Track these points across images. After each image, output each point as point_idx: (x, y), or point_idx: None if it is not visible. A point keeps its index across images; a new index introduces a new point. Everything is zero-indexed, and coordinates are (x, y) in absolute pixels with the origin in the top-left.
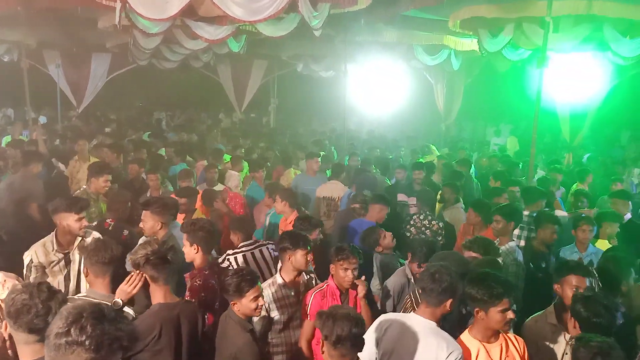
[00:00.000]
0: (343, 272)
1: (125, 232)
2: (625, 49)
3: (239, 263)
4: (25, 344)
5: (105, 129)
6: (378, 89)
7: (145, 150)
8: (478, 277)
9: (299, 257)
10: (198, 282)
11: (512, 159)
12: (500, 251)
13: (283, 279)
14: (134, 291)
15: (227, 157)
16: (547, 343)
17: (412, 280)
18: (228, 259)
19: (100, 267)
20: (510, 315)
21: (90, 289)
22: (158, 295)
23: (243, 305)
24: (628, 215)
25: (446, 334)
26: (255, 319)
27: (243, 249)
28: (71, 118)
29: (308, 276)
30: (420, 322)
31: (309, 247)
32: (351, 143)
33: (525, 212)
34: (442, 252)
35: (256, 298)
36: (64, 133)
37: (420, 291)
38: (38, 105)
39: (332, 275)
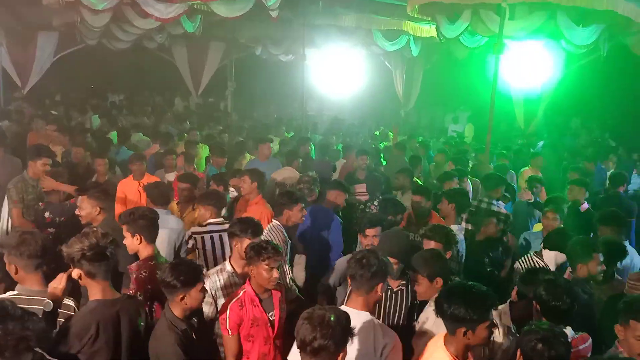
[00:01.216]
0: (267, 272)
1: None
2: (578, 37)
3: (205, 245)
4: None
5: (52, 112)
6: (337, 74)
7: (89, 134)
8: (460, 293)
9: (245, 245)
10: (144, 273)
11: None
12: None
13: (232, 267)
14: (59, 289)
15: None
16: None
17: None
18: (194, 237)
19: (32, 262)
20: (492, 328)
21: (22, 287)
22: (95, 291)
23: (192, 297)
24: (585, 205)
25: (380, 323)
26: (205, 306)
27: (209, 228)
28: (16, 100)
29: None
30: (354, 316)
31: (259, 236)
32: (314, 122)
33: (485, 199)
34: (386, 231)
35: (204, 289)
36: (8, 115)
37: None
38: None
39: (249, 280)
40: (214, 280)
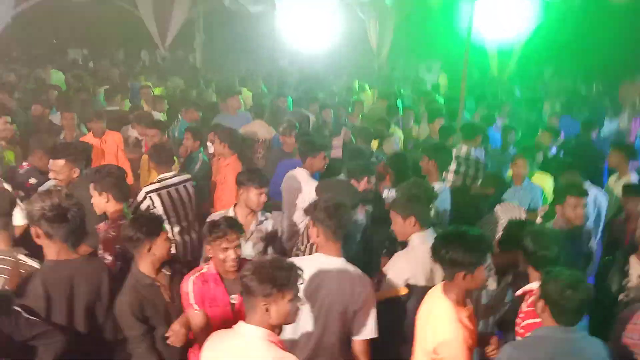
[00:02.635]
0: (222, 253)
1: (33, 180)
2: None
3: (164, 202)
4: None
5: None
6: (309, 25)
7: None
8: (457, 238)
9: (251, 194)
10: (112, 233)
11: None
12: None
13: (235, 215)
14: None
15: None
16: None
17: None
18: (150, 197)
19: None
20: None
21: None
22: (51, 252)
23: (158, 246)
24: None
25: (355, 267)
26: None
27: (166, 182)
28: None
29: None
30: (331, 262)
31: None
32: (282, 81)
33: (463, 148)
34: (329, 180)
35: (168, 237)
36: None
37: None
38: None
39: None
40: None
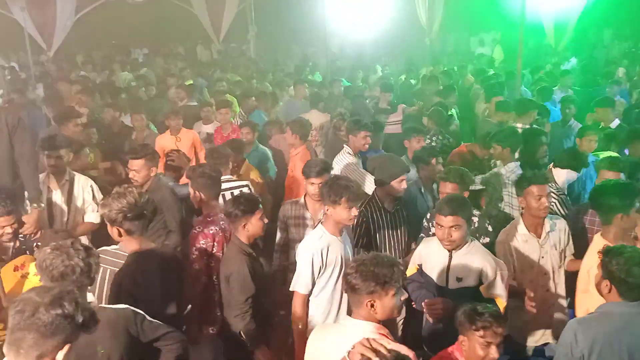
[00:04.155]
0: (482, 348)
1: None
2: None
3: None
4: None
5: (81, 72)
6: (358, 6)
7: (122, 95)
8: (611, 188)
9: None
10: (198, 229)
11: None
12: (504, 172)
13: (305, 202)
14: None
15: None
16: (522, 251)
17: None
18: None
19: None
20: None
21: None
22: (133, 245)
23: (253, 224)
24: (616, 122)
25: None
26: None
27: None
28: (42, 63)
29: None
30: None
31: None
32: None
33: (518, 125)
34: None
35: (263, 216)
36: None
37: None
38: (6, 53)
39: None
40: (287, 208)
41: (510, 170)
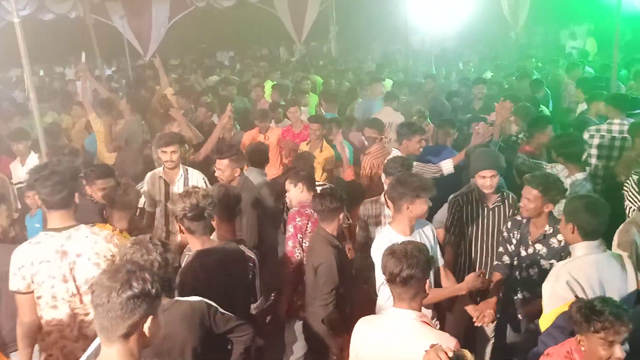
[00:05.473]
0: (604, 348)
1: None
2: None
3: None
4: None
5: (172, 75)
6: (439, 1)
7: (211, 94)
8: None
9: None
10: (294, 208)
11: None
12: (569, 181)
13: (385, 200)
14: None
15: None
16: None
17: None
18: None
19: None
20: None
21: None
22: (196, 243)
23: (341, 218)
24: None
25: None
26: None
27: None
28: (138, 68)
29: None
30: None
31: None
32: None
33: (616, 121)
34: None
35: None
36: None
37: None
38: (108, 58)
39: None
40: (367, 207)
41: (578, 183)
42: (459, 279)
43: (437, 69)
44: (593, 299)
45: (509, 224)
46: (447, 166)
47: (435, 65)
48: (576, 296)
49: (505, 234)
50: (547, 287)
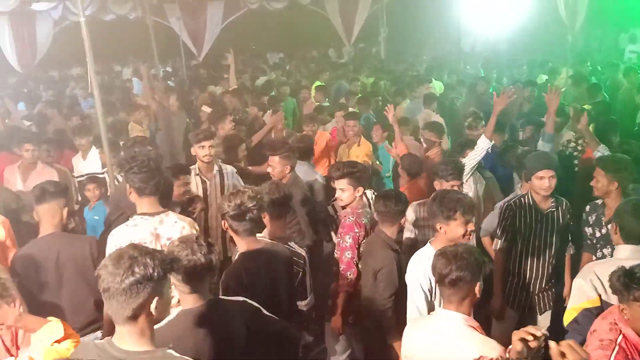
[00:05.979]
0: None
1: None
2: None
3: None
4: (184, 294)
5: (224, 75)
6: (492, 2)
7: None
8: None
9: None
10: (351, 218)
11: None
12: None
13: None
14: None
15: None
16: None
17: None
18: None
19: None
20: None
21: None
22: (241, 244)
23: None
24: None
25: None
26: (406, 232)
27: None
28: (191, 68)
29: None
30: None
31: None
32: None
33: None
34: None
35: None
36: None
37: None
38: (164, 58)
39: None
40: (414, 210)
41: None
42: (510, 287)
43: (488, 72)
44: (634, 265)
45: (588, 207)
46: (483, 142)
47: (486, 69)
48: (599, 295)
49: (584, 216)
50: (575, 282)
